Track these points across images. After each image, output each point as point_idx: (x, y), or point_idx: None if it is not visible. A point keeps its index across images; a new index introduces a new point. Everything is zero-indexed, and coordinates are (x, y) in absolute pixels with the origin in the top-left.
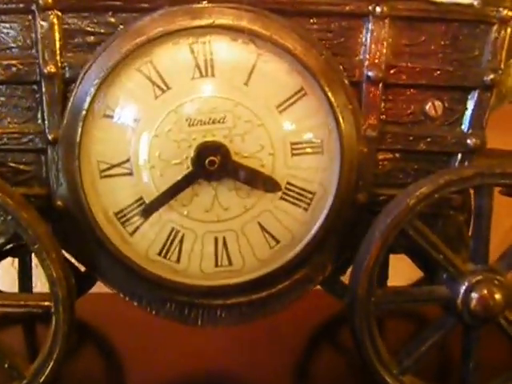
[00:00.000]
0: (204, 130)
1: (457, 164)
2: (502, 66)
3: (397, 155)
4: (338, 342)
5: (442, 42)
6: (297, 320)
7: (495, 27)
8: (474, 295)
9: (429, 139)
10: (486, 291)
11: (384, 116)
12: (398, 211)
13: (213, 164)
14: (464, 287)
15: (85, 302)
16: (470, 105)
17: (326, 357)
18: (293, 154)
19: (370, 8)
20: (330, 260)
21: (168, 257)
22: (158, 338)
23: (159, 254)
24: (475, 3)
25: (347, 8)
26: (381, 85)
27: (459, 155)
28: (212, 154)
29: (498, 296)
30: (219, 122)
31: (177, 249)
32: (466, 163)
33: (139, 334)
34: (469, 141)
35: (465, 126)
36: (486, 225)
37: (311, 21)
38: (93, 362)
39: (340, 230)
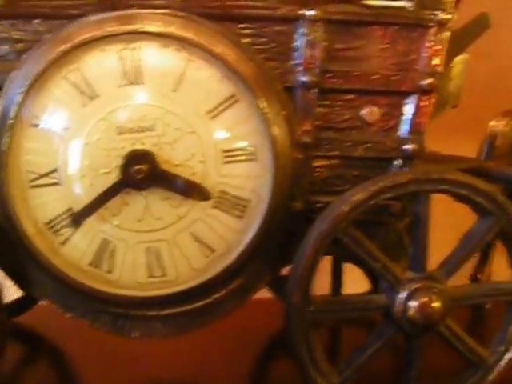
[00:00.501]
0: (133, 138)
1: (396, 170)
2: (440, 70)
3: (334, 162)
4: None
5: (380, 46)
6: (252, 329)
7: (432, 31)
8: (412, 303)
9: (366, 145)
10: (424, 299)
11: (320, 122)
12: (331, 218)
13: (140, 173)
14: (402, 295)
15: (37, 314)
16: (408, 110)
17: (282, 366)
18: (225, 162)
19: (302, 12)
20: (268, 269)
21: (100, 268)
22: (112, 347)
23: (91, 264)
24: (408, 5)
25: (279, 12)
26: (316, 90)
27: (398, 161)
28: (139, 163)
29: (436, 304)
30: (148, 129)
31: (109, 259)
32: (406, 169)
33: (93, 345)
34: (407, 146)
35: (403, 132)
36: (423, 232)
37: (243, 26)
38: (46, 374)
39: (276, 238)
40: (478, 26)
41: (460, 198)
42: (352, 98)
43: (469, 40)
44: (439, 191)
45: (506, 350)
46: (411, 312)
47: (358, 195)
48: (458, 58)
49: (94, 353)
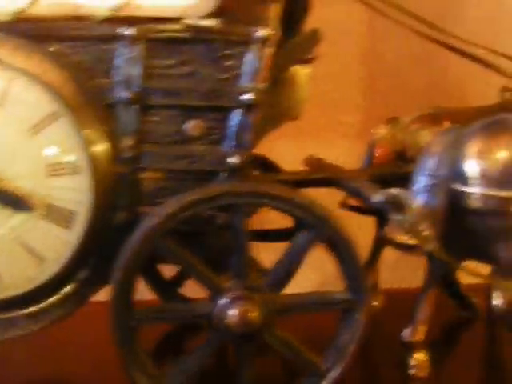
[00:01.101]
0: None
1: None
2: (262, 85)
3: (159, 175)
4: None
5: (202, 63)
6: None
7: (253, 47)
8: (230, 312)
9: (190, 158)
10: (241, 308)
11: (142, 136)
12: (144, 230)
13: None
14: (221, 304)
15: None
16: (231, 124)
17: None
18: (50, 175)
19: (121, 31)
20: (100, 276)
21: None
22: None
23: None
24: (218, 24)
25: (98, 31)
26: (136, 106)
27: (223, 174)
28: None
29: (254, 314)
30: None
31: None
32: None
33: None
34: (230, 160)
35: (226, 146)
36: (241, 242)
37: (65, 45)
38: None
39: (102, 248)
40: (308, 42)
41: (282, 212)
42: (175, 113)
43: (298, 55)
44: (259, 205)
45: (339, 358)
46: (229, 320)
47: (170, 207)
48: (299, 72)
49: None
